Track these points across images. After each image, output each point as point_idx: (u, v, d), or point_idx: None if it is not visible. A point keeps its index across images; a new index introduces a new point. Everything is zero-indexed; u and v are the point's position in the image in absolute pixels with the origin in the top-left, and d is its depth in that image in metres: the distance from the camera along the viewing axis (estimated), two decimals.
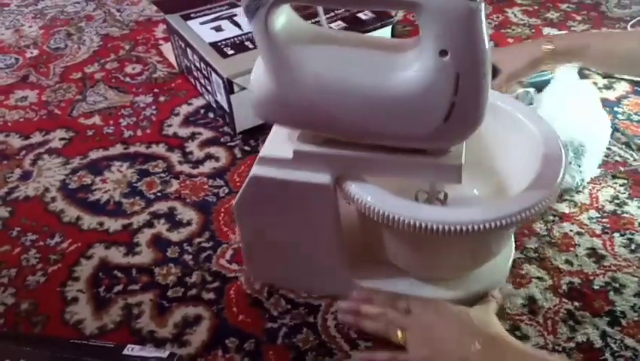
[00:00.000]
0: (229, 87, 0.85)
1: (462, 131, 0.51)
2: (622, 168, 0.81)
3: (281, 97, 0.52)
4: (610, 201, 0.77)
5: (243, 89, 0.86)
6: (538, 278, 0.67)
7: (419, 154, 0.53)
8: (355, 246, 0.63)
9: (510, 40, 1.14)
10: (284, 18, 0.50)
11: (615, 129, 0.87)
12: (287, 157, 0.56)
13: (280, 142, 0.57)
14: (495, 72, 0.86)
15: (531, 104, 0.83)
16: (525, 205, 0.52)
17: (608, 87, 0.98)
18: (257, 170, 0.57)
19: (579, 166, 0.77)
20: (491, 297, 0.61)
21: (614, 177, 0.80)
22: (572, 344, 0.60)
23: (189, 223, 0.77)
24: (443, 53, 0.45)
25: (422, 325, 0.56)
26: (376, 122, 0.50)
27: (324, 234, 0.60)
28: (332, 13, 1.01)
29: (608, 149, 0.83)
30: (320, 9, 0.68)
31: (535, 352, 0.54)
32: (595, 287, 0.66)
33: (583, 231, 0.73)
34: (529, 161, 0.57)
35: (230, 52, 0.91)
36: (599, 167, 0.81)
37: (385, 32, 1.03)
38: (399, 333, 0.56)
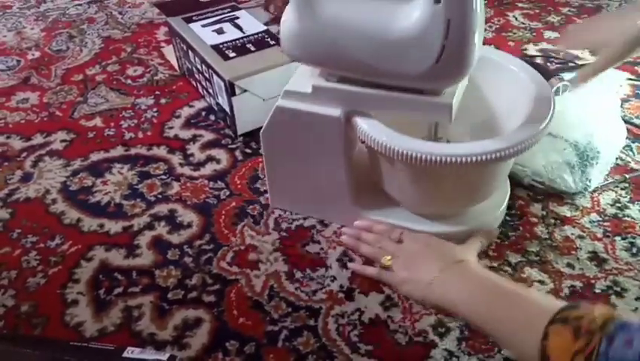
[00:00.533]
0: (230, 90, 0.85)
1: (453, 73, 0.58)
2: (627, 176, 0.81)
3: (304, 35, 0.61)
4: (611, 205, 0.77)
5: (245, 91, 0.86)
6: (540, 282, 0.67)
7: (417, 93, 0.61)
8: (362, 182, 0.73)
9: (510, 43, 1.14)
10: None
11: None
12: (307, 92, 0.65)
13: (303, 79, 0.66)
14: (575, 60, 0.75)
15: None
16: (510, 143, 0.59)
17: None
18: (281, 102, 0.67)
19: (582, 173, 0.76)
20: (477, 237, 0.68)
21: (620, 182, 0.80)
22: None
23: (189, 225, 0.77)
24: (437, 0, 0.53)
25: (407, 253, 0.65)
26: (380, 60, 0.59)
27: (334, 164, 0.69)
28: None
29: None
30: None
31: (493, 276, 0.59)
32: (597, 291, 0.66)
33: (584, 234, 0.73)
34: (523, 110, 0.64)
35: (232, 54, 0.91)
36: (606, 175, 0.81)
37: None
38: (387, 258, 0.65)
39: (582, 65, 0.98)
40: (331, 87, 0.64)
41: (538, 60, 1.06)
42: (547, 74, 0.83)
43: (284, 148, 0.72)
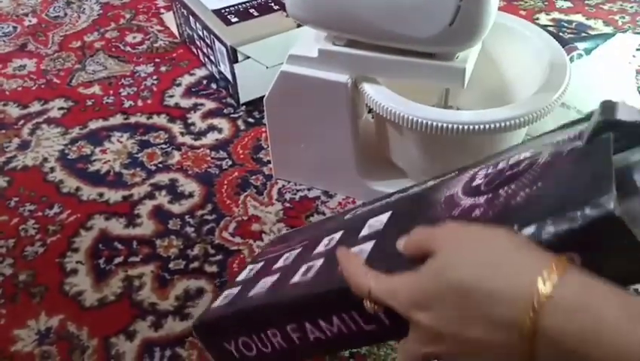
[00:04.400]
0: (233, 56, 0.83)
1: (467, 37, 0.56)
2: None
3: None
4: None
5: (247, 57, 0.83)
6: None
7: (428, 58, 0.58)
8: (368, 153, 0.71)
9: (522, 12, 1.10)
10: None
11: None
12: (312, 56, 0.63)
13: (308, 43, 0.64)
14: None
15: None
16: (521, 111, 0.56)
17: None
18: (286, 67, 0.65)
19: None
20: None
21: None
22: None
23: (191, 195, 0.75)
24: None
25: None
26: (390, 22, 0.56)
27: (340, 133, 0.67)
28: None
29: None
30: None
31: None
32: None
33: None
34: (537, 78, 0.62)
35: (234, 19, 0.88)
36: None
37: None
38: None
39: (595, 35, 0.95)
40: (338, 51, 0.62)
41: (550, 30, 1.02)
42: (560, 43, 0.80)
43: (289, 116, 0.70)
